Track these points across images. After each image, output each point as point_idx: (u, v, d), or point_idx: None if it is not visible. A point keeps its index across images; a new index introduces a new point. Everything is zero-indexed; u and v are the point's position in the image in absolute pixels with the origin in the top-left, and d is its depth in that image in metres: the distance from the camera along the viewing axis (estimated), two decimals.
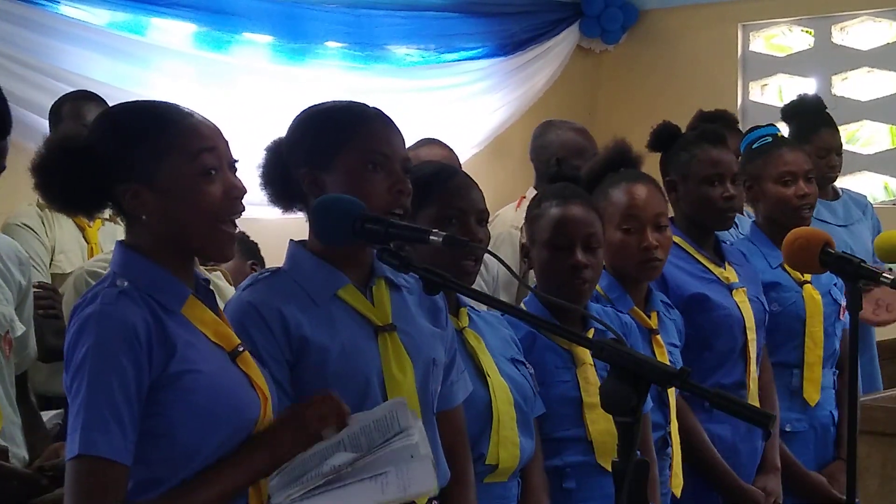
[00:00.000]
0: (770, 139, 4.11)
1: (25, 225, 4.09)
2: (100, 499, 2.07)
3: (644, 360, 1.92)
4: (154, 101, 2.34)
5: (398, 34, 6.99)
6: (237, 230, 2.27)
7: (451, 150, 4.71)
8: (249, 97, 6.07)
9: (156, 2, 5.95)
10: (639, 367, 1.90)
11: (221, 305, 2.36)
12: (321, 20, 6.61)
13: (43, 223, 4.11)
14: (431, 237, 2.20)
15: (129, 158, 2.19)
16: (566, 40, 7.65)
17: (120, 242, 2.27)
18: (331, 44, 6.69)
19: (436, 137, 4.86)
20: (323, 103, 2.60)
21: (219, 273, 3.93)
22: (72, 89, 5.40)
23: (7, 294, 2.97)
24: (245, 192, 2.25)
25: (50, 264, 4.06)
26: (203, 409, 2.13)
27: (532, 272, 3.24)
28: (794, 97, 5.30)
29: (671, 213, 3.71)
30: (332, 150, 2.49)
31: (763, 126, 4.30)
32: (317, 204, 2.35)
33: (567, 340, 3.05)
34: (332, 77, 6.57)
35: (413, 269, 2.22)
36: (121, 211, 2.24)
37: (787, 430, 3.96)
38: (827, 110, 5.10)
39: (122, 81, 5.55)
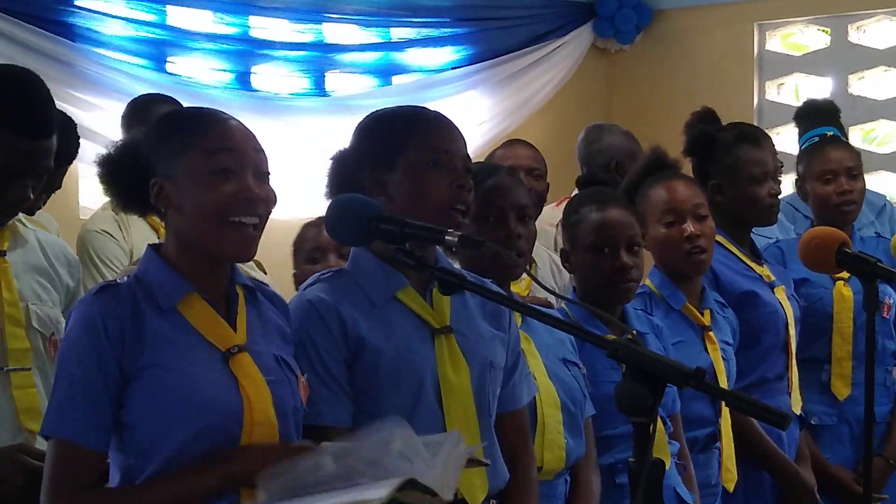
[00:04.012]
0: (817, 139, 4.18)
1: (104, 231, 4.13)
2: (66, 479, 2.19)
3: (659, 360, 1.92)
4: (198, 107, 2.44)
5: (413, 43, 7.06)
6: (256, 231, 2.28)
7: (536, 149, 4.77)
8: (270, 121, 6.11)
9: (174, 41, 6.05)
10: (654, 368, 1.90)
11: None
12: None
13: (120, 227, 4.15)
14: (447, 237, 2.21)
15: (159, 155, 2.30)
16: (580, 40, 7.64)
17: (150, 245, 2.37)
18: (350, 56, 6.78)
19: (520, 139, 4.97)
20: (385, 108, 2.67)
21: (251, 264, 3.94)
22: (101, 107, 5.46)
23: (54, 296, 3.00)
24: (261, 198, 2.27)
25: None
26: (164, 404, 2.18)
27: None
28: (804, 101, 5.30)
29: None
30: (395, 150, 2.54)
31: (819, 127, 4.36)
32: (332, 204, 2.36)
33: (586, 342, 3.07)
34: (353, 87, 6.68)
35: (428, 269, 2.23)
36: (158, 210, 2.32)
37: (814, 423, 4.02)
38: (835, 111, 5.09)
39: None
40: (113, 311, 2.20)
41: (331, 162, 2.65)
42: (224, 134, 2.29)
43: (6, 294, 2.88)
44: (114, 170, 2.33)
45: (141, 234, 4.14)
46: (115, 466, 2.24)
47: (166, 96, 4.49)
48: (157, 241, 4.04)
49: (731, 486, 3.49)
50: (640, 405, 1.89)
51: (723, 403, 3.42)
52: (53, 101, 2.86)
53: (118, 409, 2.20)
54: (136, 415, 2.19)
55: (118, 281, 2.27)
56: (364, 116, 2.66)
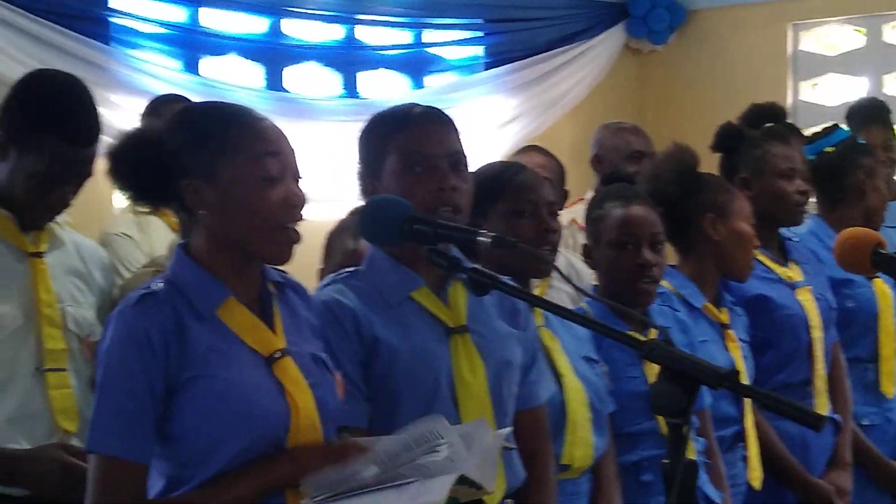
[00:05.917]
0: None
1: (124, 234, 4.09)
2: (111, 495, 2.14)
3: (693, 360, 1.91)
4: (227, 103, 2.39)
5: (444, 44, 7.11)
6: (298, 234, 2.27)
7: (553, 156, 4.72)
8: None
9: (206, 43, 6.10)
10: (688, 368, 1.89)
11: None
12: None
13: (139, 230, 4.11)
14: (480, 238, 2.19)
15: (194, 154, 2.23)
16: (612, 40, 7.62)
17: (179, 244, 2.31)
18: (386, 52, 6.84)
19: (536, 144, 4.97)
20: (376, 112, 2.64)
21: None
22: (134, 109, 5.50)
23: (89, 298, 3.02)
24: (305, 202, 2.26)
25: None
26: (215, 416, 2.14)
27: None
28: (852, 100, 5.29)
29: None
30: (378, 159, 2.54)
31: (834, 132, 4.28)
32: (366, 205, 2.37)
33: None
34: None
35: (461, 270, 2.22)
36: (182, 208, 2.27)
37: (865, 423, 3.98)
38: (882, 109, 5.08)
39: None
40: (156, 321, 2.15)
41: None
42: (267, 136, 2.26)
43: (44, 295, 2.90)
44: (130, 163, 2.25)
45: (160, 234, 4.11)
46: (158, 474, 2.19)
47: (181, 96, 4.45)
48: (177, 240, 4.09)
49: (757, 484, 3.45)
50: (674, 406, 1.88)
51: (748, 402, 3.40)
52: (97, 109, 2.85)
53: (163, 422, 2.16)
54: (186, 427, 2.15)
55: (153, 288, 2.21)
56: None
